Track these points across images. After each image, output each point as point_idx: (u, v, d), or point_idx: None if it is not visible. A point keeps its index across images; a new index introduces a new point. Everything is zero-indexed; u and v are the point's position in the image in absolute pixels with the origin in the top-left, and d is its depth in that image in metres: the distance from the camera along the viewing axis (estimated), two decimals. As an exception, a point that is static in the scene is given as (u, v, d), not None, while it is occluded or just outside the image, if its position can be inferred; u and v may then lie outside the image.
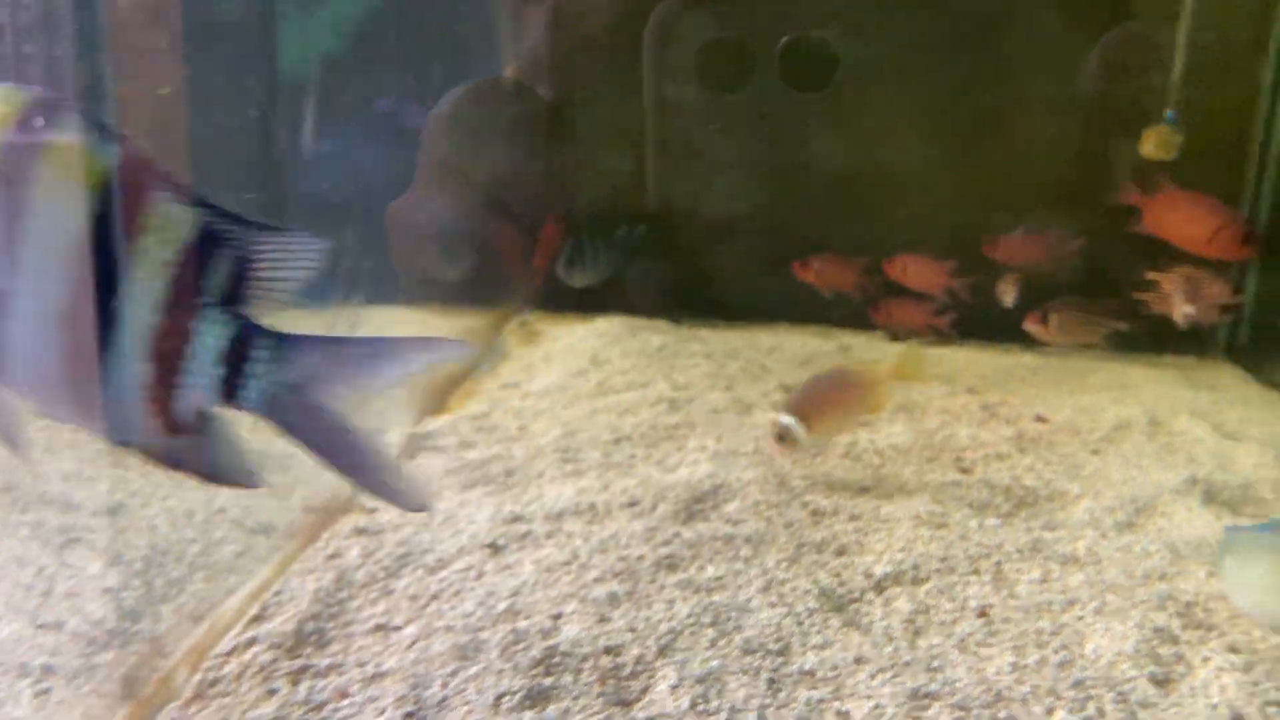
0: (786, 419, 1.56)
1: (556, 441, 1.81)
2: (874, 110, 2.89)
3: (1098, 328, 2.69)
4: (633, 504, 1.55)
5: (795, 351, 2.62)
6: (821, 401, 1.57)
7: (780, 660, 1.15)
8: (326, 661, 1.12)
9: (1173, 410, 2.06)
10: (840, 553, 1.43)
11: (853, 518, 1.53)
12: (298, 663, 1.11)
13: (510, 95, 2.88)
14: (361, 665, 1.11)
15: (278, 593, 1.26)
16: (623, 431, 1.87)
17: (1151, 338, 2.73)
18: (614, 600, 1.25)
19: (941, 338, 2.86)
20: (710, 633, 1.19)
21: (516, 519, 1.49)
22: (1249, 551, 1.19)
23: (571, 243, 2.46)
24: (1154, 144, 2.63)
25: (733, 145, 2.99)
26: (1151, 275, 2.72)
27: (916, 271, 2.79)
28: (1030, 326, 2.67)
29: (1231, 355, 2.87)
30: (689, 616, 1.22)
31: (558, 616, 1.21)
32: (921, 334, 2.90)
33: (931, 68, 2.89)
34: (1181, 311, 2.47)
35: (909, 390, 2.17)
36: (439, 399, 2.12)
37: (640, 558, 1.37)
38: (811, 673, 1.13)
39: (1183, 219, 2.66)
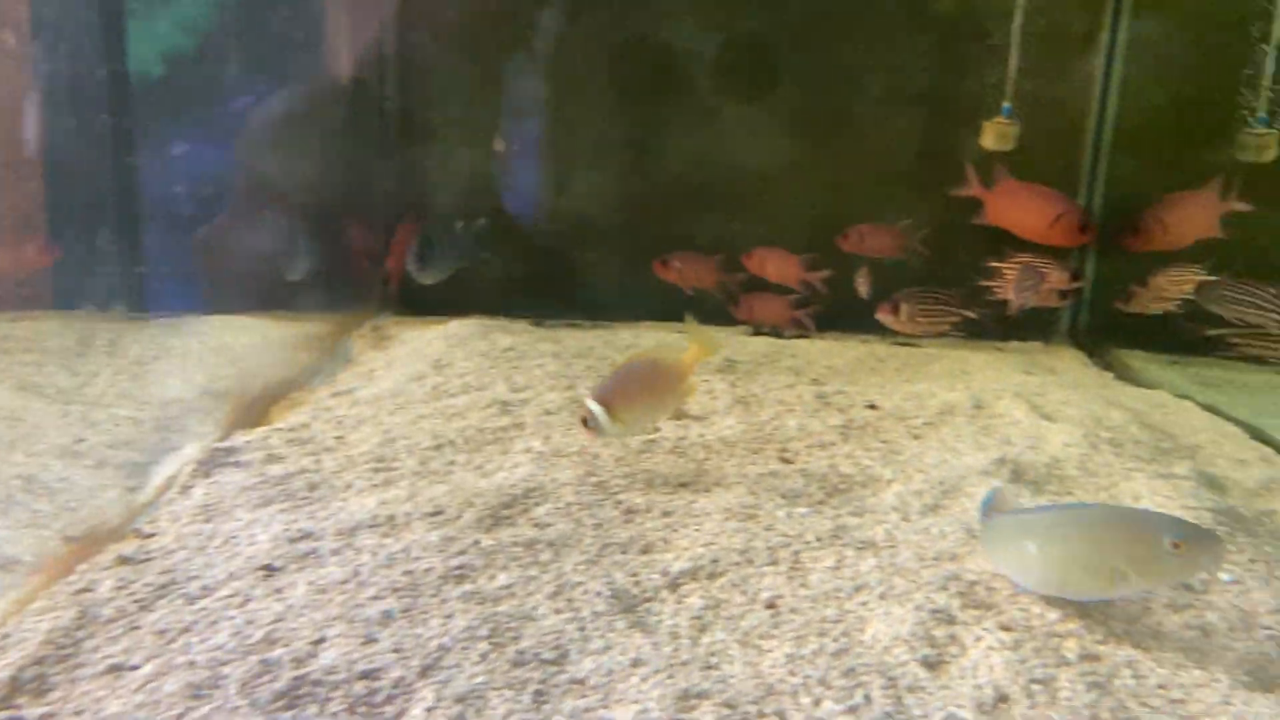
0: (593, 405, 1.51)
1: (373, 451, 1.72)
2: (729, 108, 2.91)
3: (946, 316, 2.76)
4: (436, 513, 1.47)
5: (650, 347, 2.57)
6: (629, 390, 1.53)
7: (554, 670, 1.10)
8: (40, 711, 1.00)
9: (998, 394, 2.11)
10: (645, 551, 1.39)
11: (665, 514, 1.49)
12: (3, 715, 0.99)
13: (342, 96, 2.77)
14: (79, 714, 1.01)
15: (4, 636, 1.13)
16: (446, 437, 1.78)
17: (1001, 325, 2.82)
18: (386, 619, 1.17)
19: (803, 330, 2.90)
20: (484, 646, 1.13)
21: (304, 536, 1.39)
22: (1002, 526, 1.27)
23: (419, 239, 2.37)
24: (993, 136, 2.71)
25: (592, 143, 2.96)
26: (994, 264, 2.82)
27: (774, 265, 2.81)
28: (882, 316, 2.73)
29: (1074, 339, 2.99)
30: (464, 631, 1.16)
31: (319, 642, 1.13)
32: (783, 327, 2.93)
33: (783, 66, 2.93)
34: (1013, 301, 2.56)
35: (750, 383, 2.19)
36: (255, 411, 2.00)
37: (428, 570, 1.30)
38: (583, 680, 1.08)
39: (1022, 209, 2.76)
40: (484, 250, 2.64)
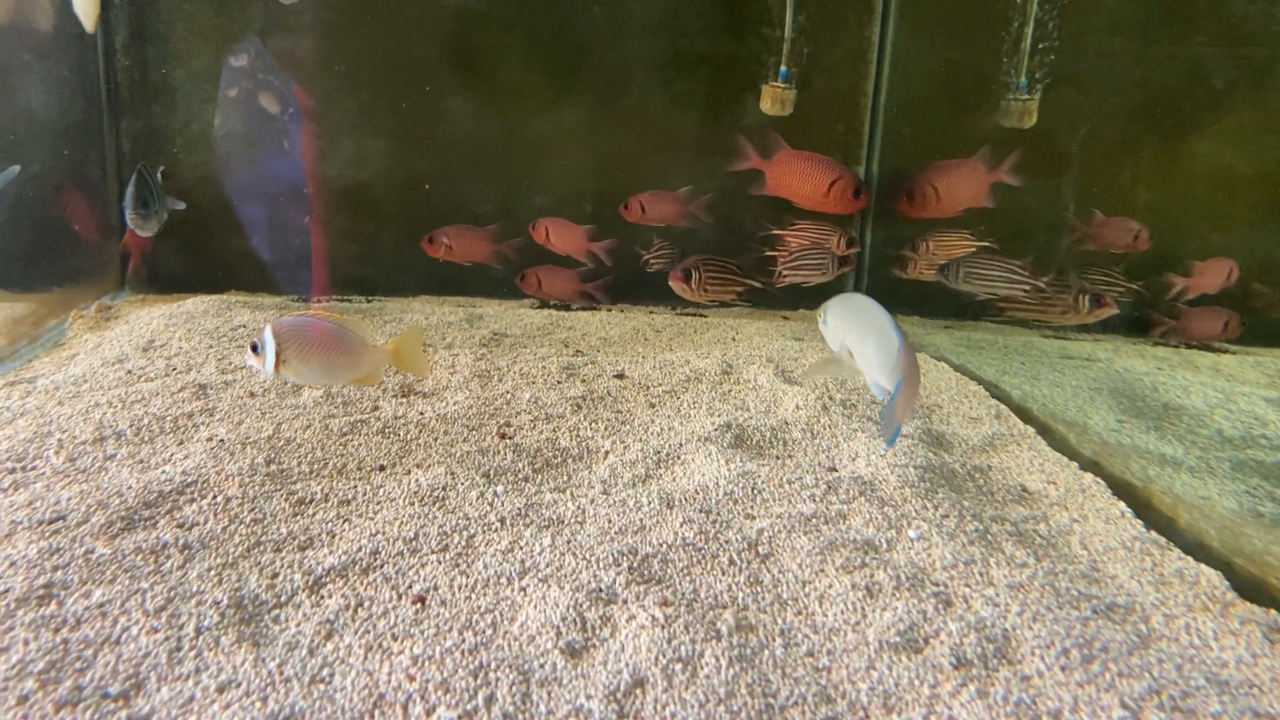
0: (268, 335, 1.36)
1: (15, 448, 1.45)
2: (507, 70, 2.73)
3: (732, 285, 2.71)
4: (54, 520, 1.22)
5: (414, 322, 2.36)
6: (309, 337, 1.38)
7: (114, 707, 0.90)
8: None
9: (750, 360, 2.05)
10: (304, 548, 1.21)
11: (344, 503, 1.32)
12: None
13: (55, 46, 2.38)
14: None
15: None
16: (114, 428, 1.54)
17: (790, 292, 2.80)
18: (-91, 657, 0.94)
19: (592, 303, 2.78)
20: (29, 685, 0.92)
21: None
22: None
23: (134, 184, 2.06)
24: (770, 100, 2.67)
25: (361, 105, 2.71)
26: (775, 231, 2.79)
27: (559, 236, 2.66)
28: (674, 284, 2.64)
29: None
30: (14, 666, 0.94)
31: None
32: (571, 300, 2.80)
33: (562, 26, 2.77)
34: (781, 272, 2.54)
35: (501, 357, 2.03)
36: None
37: (4, 593, 1.06)
38: (147, 716, 0.90)
39: (798, 177, 2.73)
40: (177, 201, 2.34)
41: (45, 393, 1.73)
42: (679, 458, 1.49)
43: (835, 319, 1.45)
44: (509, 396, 1.77)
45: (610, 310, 2.68)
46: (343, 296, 2.72)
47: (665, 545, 1.19)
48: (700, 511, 1.29)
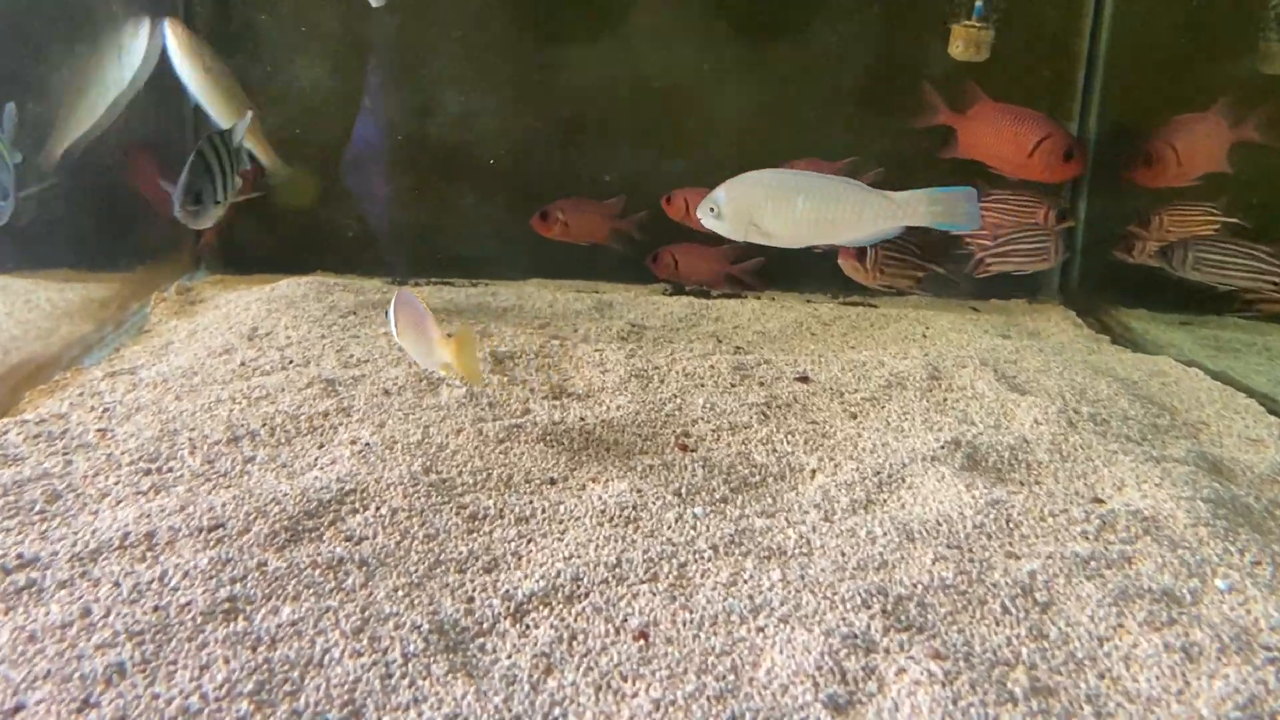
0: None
1: (144, 447, 1.59)
2: (639, 14, 2.78)
3: (915, 270, 2.71)
4: (214, 528, 1.34)
5: (538, 310, 2.49)
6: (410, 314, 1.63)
7: (338, 733, 1.00)
8: None
9: (961, 362, 2.06)
10: (489, 569, 1.29)
11: (521, 520, 1.41)
12: None
13: None
14: None
15: None
16: (247, 427, 1.67)
17: (977, 279, 2.78)
18: (115, 674, 1.05)
19: (738, 289, 2.82)
20: (244, 706, 1.02)
21: (25, 565, 1.26)
22: None
23: (189, 168, 2.09)
24: (964, 44, 2.65)
25: (464, 54, 2.80)
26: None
27: None
28: (844, 263, 2.65)
29: (1065, 296, 2.97)
30: (221, 686, 1.05)
31: (14, 712, 1.01)
32: (713, 285, 2.85)
33: None
34: (988, 261, 2.52)
35: (656, 354, 2.10)
36: (0, 397, 1.85)
37: (186, 605, 1.17)
38: (376, 747, 0.99)
39: (997, 136, 2.70)
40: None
41: (154, 385, 1.88)
42: (904, 480, 1.53)
43: (735, 200, 1.71)
44: (679, 401, 1.84)
45: (760, 298, 2.74)
46: (441, 279, 2.85)
47: (919, 586, 1.23)
48: (949, 547, 1.33)
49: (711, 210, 1.81)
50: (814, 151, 2.73)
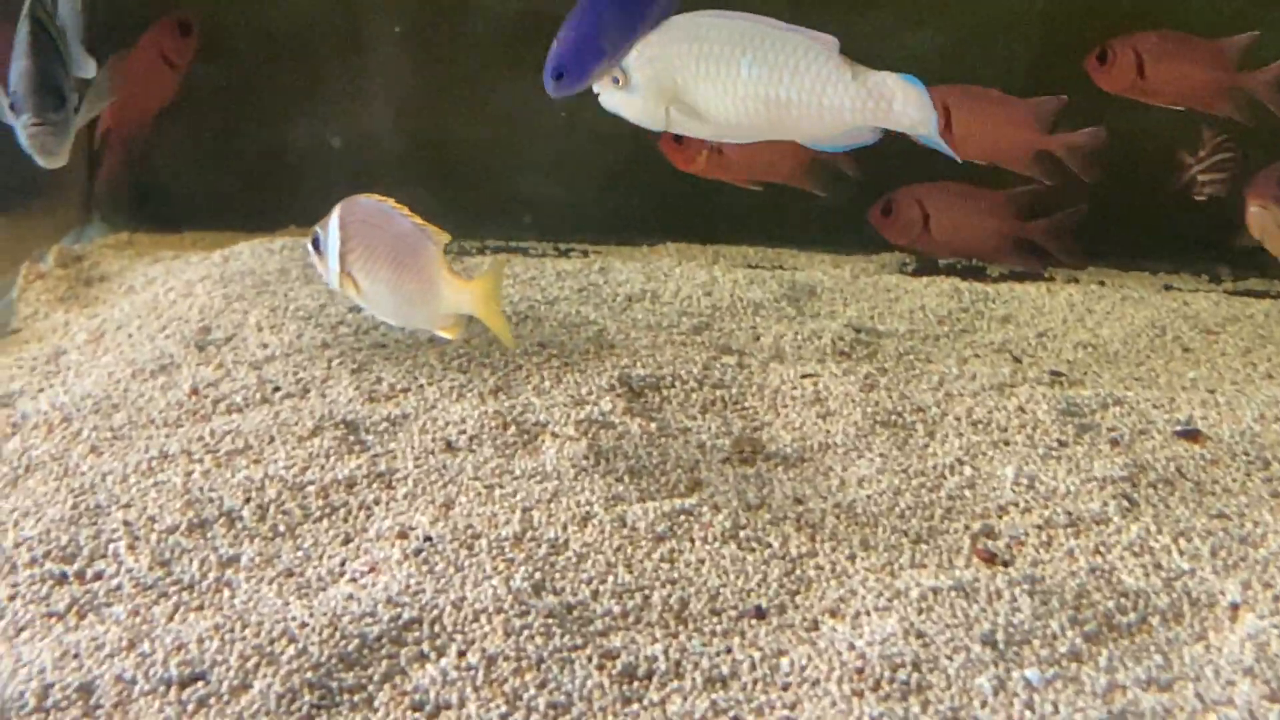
0: (332, 228, 1.91)
1: (51, 535, 1.60)
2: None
3: None
4: (190, 680, 1.31)
5: (687, 301, 2.60)
6: (377, 248, 1.94)
7: None
8: None
9: None
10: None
11: (714, 683, 1.37)
12: None
13: None
14: None
15: None
16: (219, 503, 1.65)
17: None
18: None
19: (1042, 262, 2.76)
20: None
21: None
22: None
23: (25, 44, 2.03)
24: None
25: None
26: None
27: (970, 116, 2.68)
28: (1254, 210, 2.57)
29: None
30: None
31: None
32: (991, 258, 2.78)
33: None
34: None
35: (909, 382, 2.06)
36: None
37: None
38: None
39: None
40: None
41: (48, 428, 1.86)
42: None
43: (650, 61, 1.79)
44: (967, 472, 1.80)
45: (1079, 280, 2.64)
46: (507, 242, 2.79)
47: None
48: None
49: (617, 81, 1.81)
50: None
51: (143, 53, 2.76)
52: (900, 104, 1.81)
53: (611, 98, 1.84)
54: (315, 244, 1.89)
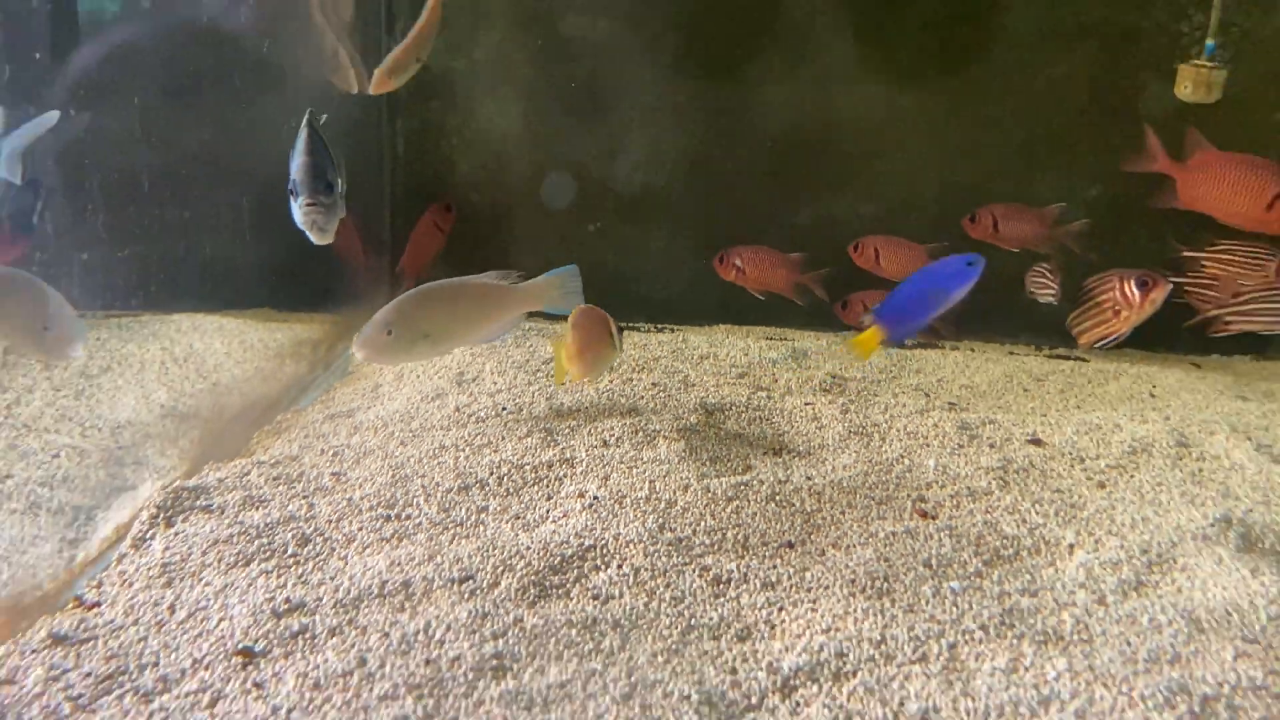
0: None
1: (380, 493, 1.67)
2: (832, 49, 2.77)
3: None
4: (464, 579, 1.39)
5: (733, 359, 2.50)
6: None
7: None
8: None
9: (1208, 428, 1.97)
10: (743, 638, 1.29)
11: (767, 586, 1.40)
12: None
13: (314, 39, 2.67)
14: None
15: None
16: (475, 475, 1.73)
17: (1195, 333, 2.63)
18: (402, 726, 1.10)
19: (934, 339, 2.75)
20: (533, 769, 1.04)
21: (294, 609, 1.32)
22: None
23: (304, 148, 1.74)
24: (1193, 84, 2.52)
25: (654, 97, 2.83)
26: (1188, 253, 2.63)
27: (892, 258, 2.65)
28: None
29: (1300, 352, 2.79)
30: (507, 746, 1.07)
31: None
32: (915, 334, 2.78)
33: (897, 18, 2.76)
34: (1225, 315, 2.36)
35: (868, 408, 2.09)
36: (231, 438, 1.95)
37: (456, 660, 1.21)
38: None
39: (1227, 188, 2.55)
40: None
41: (375, 429, 1.97)
42: (1174, 561, 1.46)
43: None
44: (907, 462, 1.82)
45: (958, 348, 2.69)
46: (626, 324, 2.87)
47: (1226, 686, 1.16)
48: (1247, 641, 1.25)
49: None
50: (1017, 193, 2.66)
51: (424, 223, 2.91)
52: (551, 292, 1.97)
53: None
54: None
